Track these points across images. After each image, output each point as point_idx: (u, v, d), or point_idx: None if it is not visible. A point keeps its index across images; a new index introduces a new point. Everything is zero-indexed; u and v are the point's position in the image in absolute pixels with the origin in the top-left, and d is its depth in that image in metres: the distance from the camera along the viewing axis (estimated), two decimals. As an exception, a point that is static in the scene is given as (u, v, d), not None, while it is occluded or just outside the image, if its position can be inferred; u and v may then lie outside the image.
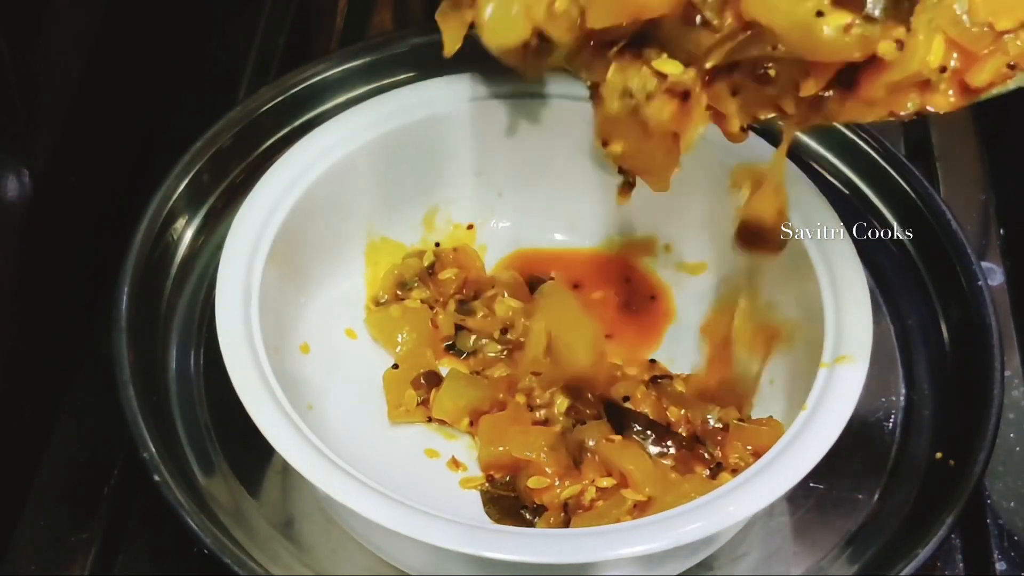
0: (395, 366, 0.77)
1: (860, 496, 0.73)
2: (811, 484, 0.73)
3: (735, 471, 0.70)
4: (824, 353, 0.69)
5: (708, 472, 0.71)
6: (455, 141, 0.81)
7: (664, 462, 0.71)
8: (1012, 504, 0.73)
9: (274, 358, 0.70)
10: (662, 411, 0.73)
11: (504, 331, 0.78)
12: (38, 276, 0.77)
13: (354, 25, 1.03)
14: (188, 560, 0.70)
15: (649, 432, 0.71)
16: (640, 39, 0.64)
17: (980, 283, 0.75)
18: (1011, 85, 0.61)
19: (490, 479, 0.72)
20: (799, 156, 0.83)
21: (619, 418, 0.72)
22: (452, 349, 0.79)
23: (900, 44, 0.59)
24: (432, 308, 0.79)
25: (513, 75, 0.81)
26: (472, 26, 0.70)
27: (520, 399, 0.74)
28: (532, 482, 0.70)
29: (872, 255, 0.79)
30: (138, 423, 0.67)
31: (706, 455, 0.72)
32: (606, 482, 0.70)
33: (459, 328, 0.79)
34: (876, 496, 0.73)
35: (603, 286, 0.82)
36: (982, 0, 0.60)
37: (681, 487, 0.68)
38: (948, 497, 0.67)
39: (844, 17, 0.58)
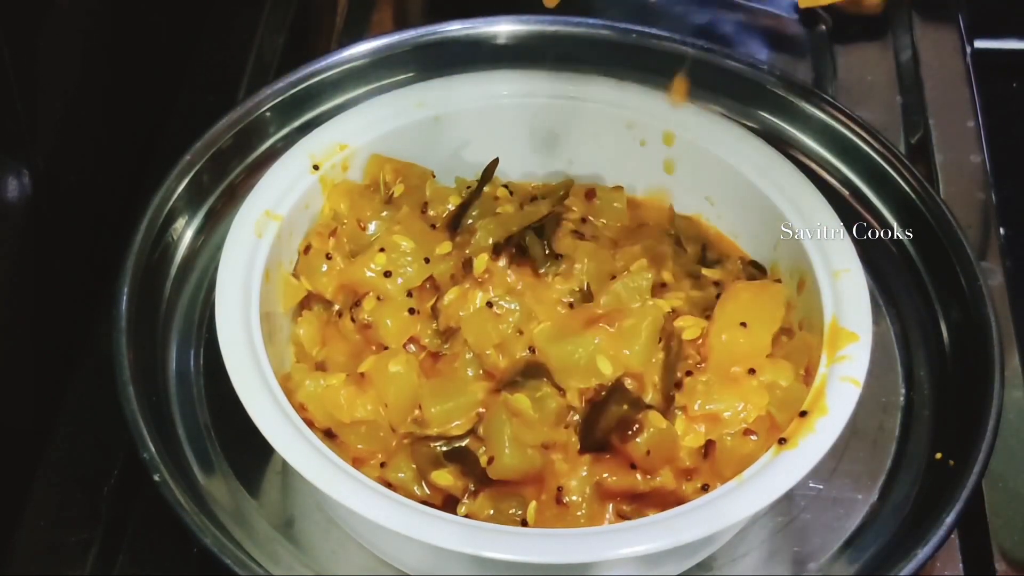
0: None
1: (860, 496, 0.73)
2: (811, 484, 0.73)
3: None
4: (824, 354, 0.69)
5: None
6: (455, 141, 0.81)
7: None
8: (1012, 504, 0.73)
9: (274, 358, 0.70)
10: None
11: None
12: (38, 276, 0.77)
13: (354, 25, 1.03)
14: (188, 560, 0.71)
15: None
16: None
17: (980, 283, 0.75)
18: None
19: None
20: (799, 156, 0.83)
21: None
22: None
23: None
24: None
25: (512, 76, 0.81)
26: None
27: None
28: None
29: (872, 255, 0.79)
30: (138, 423, 0.67)
31: None
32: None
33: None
34: (876, 496, 0.73)
35: None
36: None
37: None
38: (948, 497, 0.67)
39: None
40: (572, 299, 0.72)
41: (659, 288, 0.74)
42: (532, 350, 0.70)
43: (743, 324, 0.71)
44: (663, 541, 0.63)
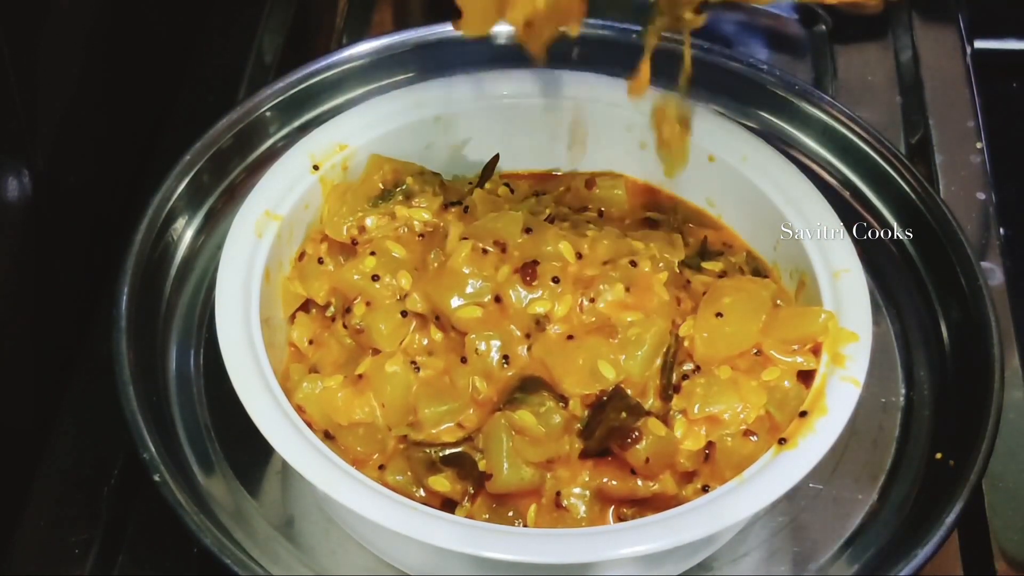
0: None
1: (860, 496, 0.73)
2: (811, 484, 0.73)
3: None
4: (823, 355, 0.69)
5: None
6: (455, 141, 0.81)
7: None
8: (1012, 504, 0.73)
9: (274, 360, 0.70)
10: None
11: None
12: (38, 276, 0.77)
13: (354, 25, 1.03)
14: (188, 560, 0.71)
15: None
16: None
17: (980, 283, 0.75)
18: None
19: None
20: (799, 156, 0.83)
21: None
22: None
23: None
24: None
25: (512, 76, 0.81)
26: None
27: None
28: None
29: (872, 255, 0.79)
30: (138, 423, 0.67)
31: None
32: None
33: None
34: (876, 496, 0.73)
35: None
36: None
37: None
38: (948, 497, 0.67)
39: None
40: (576, 305, 0.71)
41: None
42: (528, 352, 0.70)
43: (719, 315, 0.70)
44: (663, 541, 0.63)
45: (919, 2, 1.01)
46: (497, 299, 0.70)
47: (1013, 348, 0.79)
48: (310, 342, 0.74)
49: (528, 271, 0.70)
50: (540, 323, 0.70)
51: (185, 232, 0.79)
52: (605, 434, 0.68)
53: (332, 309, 0.74)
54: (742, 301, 0.71)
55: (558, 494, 0.68)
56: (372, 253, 0.73)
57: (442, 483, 0.68)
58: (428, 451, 0.68)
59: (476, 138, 0.82)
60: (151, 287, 0.75)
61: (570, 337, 0.69)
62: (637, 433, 0.67)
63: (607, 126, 0.82)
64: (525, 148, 0.83)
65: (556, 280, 0.70)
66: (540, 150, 0.83)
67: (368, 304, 0.72)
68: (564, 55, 0.85)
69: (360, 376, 0.70)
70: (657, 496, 0.68)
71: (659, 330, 0.69)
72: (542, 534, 0.66)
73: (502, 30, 0.87)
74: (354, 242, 0.75)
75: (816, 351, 0.70)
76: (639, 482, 0.68)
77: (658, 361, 0.69)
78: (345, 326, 0.73)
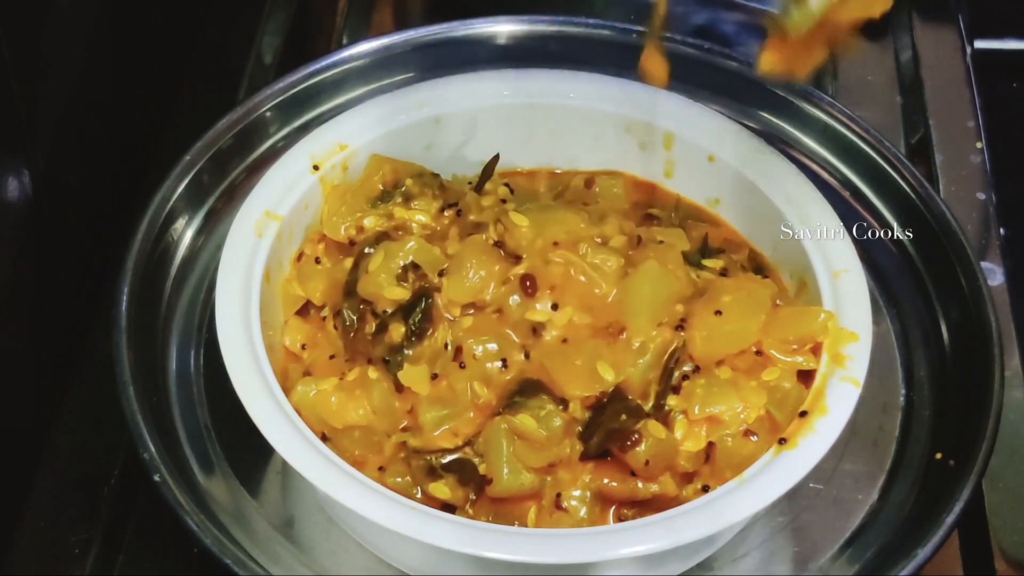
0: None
1: (860, 496, 0.73)
2: (811, 484, 0.73)
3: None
4: (823, 355, 0.69)
5: None
6: (455, 141, 0.81)
7: None
8: (1012, 504, 0.73)
9: (274, 361, 0.70)
10: None
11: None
12: (38, 276, 0.77)
13: (354, 25, 1.03)
14: (188, 560, 0.71)
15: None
16: None
17: (980, 283, 0.75)
18: None
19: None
20: (799, 156, 0.83)
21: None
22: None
23: None
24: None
25: (512, 76, 0.81)
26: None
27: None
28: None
29: (872, 255, 0.79)
30: (138, 423, 0.67)
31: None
32: None
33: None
34: (876, 496, 0.73)
35: None
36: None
37: None
38: (948, 497, 0.67)
39: None
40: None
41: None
42: (527, 355, 0.70)
43: (718, 312, 0.70)
44: (663, 541, 0.63)
45: (919, 2, 1.01)
46: (498, 310, 0.71)
47: (1013, 348, 0.79)
48: (303, 346, 0.74)
49: (528, 282, 0.70)
50: (536, 330, 0.70)
51: (185, 232, 0.79)
52: (605, 436, 0.68)
53: (327, 310, 0.74)
54: (742, 300, 0.71)
55: (558, 496, 0.68)
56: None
57: (442, 490, 0.68)
58: (428, 458, 0.68)
59: (476, 138, 0.82)
60: (151, 287, 0.75)
61: (564, 340, 0.70)
62: (637, 435, 0.67)
63: (607, 126, 0.82)
64: (525, 148, 0.83)
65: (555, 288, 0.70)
66: (540, 150, 0.83)
67: None
68: (564, 55, 0.85)
69: (350, 381, 0.70)
70: (657, 497, 0.68)
71: (664, 340, 0.69)
72: (542, 534, 0.66)
73: (502, 30, 0.87)
74: (352, 242, 0.75)
75: (816, 351, 0.70)
76: (639, 483, 0.68)
77: (655, 362, 0.69)
78: (336, 327, 0.73)
